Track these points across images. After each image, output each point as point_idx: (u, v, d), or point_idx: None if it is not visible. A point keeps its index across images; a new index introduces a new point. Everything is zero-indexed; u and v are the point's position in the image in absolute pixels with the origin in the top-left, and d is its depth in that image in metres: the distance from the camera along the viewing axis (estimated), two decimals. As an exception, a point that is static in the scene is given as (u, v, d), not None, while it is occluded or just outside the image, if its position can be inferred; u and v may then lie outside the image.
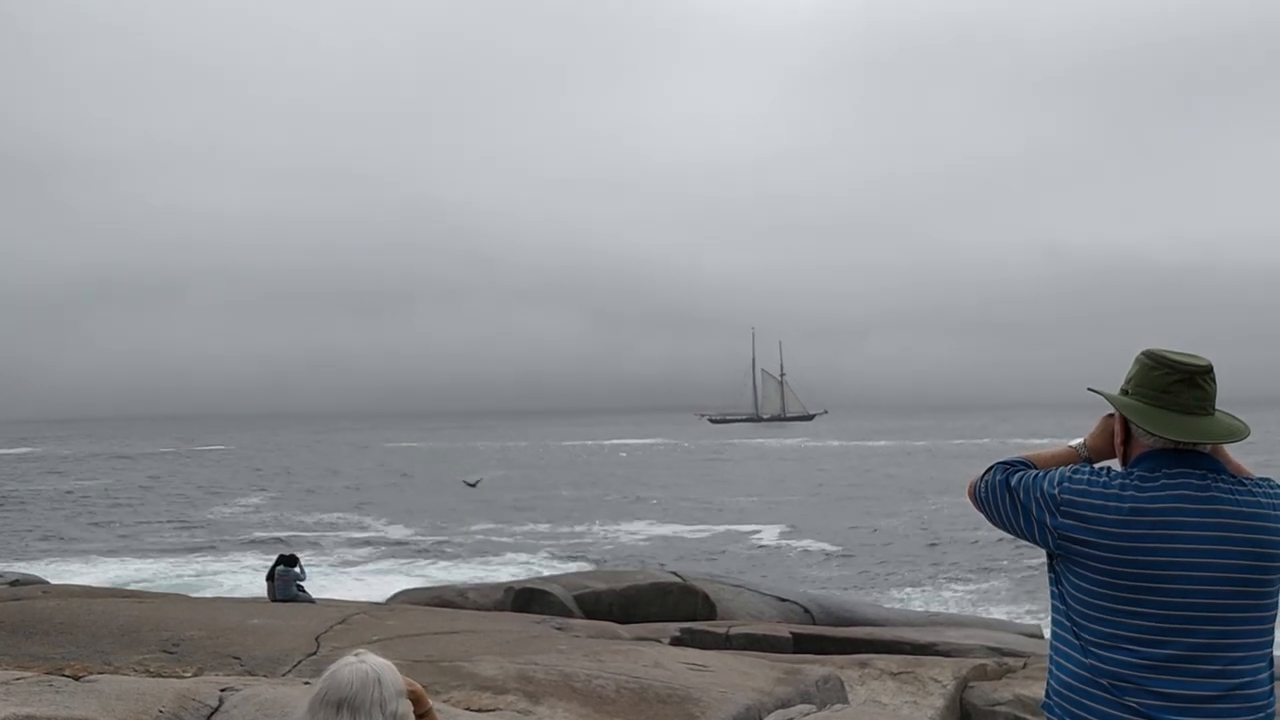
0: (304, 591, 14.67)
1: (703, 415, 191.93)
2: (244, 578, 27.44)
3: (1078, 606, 2.75)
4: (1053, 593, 2.88)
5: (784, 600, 16.14)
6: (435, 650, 10.48)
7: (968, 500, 3.05)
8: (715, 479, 64.51)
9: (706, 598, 15.76)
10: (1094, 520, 2.70)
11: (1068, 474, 2.82)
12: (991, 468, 3.00)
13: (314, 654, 10.41)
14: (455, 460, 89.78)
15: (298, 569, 14.67)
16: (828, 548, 33.83)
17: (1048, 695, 2.86)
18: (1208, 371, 2.79)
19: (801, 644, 13.11)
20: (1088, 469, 2.83)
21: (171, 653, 10.50)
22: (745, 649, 12.57)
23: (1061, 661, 2.81)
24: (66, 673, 8.07)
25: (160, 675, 9.56)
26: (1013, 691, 10.57)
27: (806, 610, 15.71)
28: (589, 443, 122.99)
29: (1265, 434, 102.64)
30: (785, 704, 8.87)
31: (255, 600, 15.23)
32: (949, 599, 24.45)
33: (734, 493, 54.68)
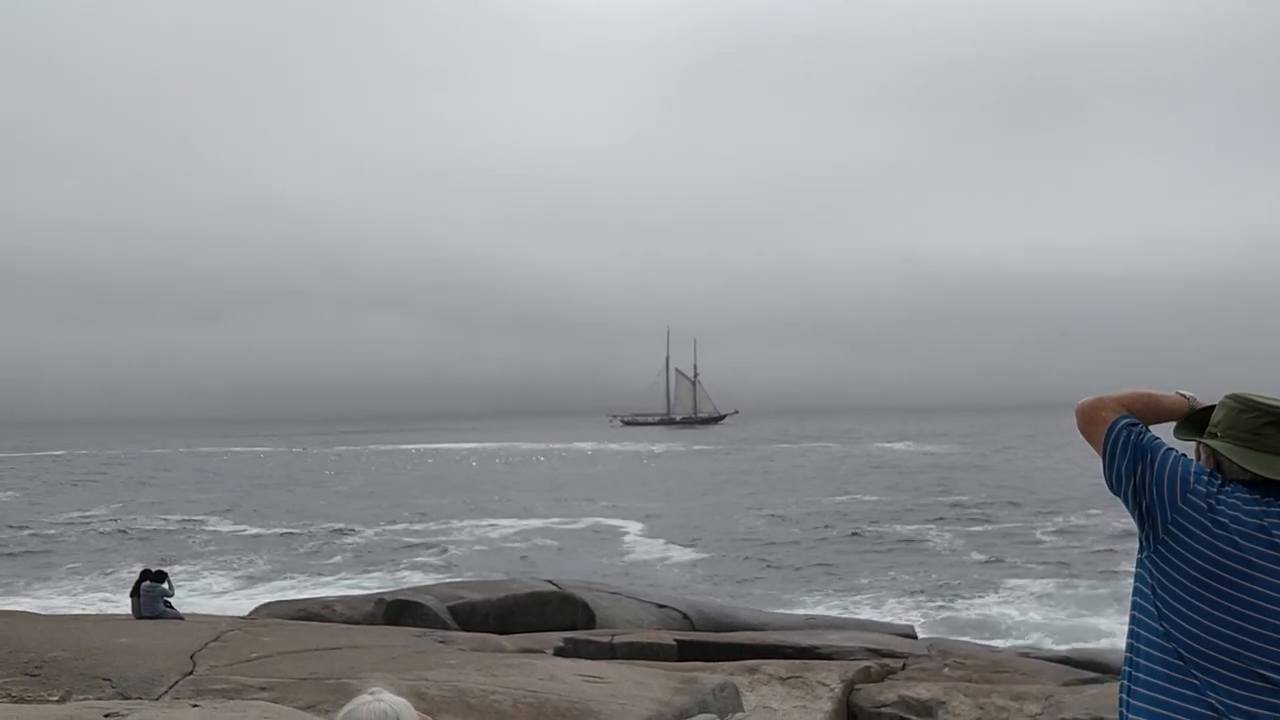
0: (171, 608, 14.10)
1: (615, 418, 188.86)
2: (95, 589, 26.31)
3: (1165, 596, 2.75)
4: (1139, 575, 2.85)
5: (662, 606, 16.15)
6: (320, 667, 10.17)
7: (1077, 418, 2.98)
8: (538, 483, 64.27)
9: (586, 606, 15.67)
10: (1204, 519, 2.71)
11: (1204, 473, 2.81)
12: (1132, 425, 2.91)
13: (190, 674, 10.00)
14: (301, 466, 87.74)
15: (165, 585, 14.09)
16: (686, 549, 33.93)
17: (1125, 685, 2.84)
18: None
19: (686, 651, 13.15)
20: (1208, 471, 2.83)
21: (35, 675, 9.95)
22: (631, 658, 12.56)
23: (1140, 646, 2.80)
24: (-72, 702, 7.60)
25: (24, 700, 9.08)
26: (897, 693, 10.82)
27: (686, 616, 15.75)
28: (411, 448, 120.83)
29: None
30: (684, 714, 8.88)
31: (121, 618, 14.55)
32: (821, 600, 24.79)
33: (573, 495, 54.55)
